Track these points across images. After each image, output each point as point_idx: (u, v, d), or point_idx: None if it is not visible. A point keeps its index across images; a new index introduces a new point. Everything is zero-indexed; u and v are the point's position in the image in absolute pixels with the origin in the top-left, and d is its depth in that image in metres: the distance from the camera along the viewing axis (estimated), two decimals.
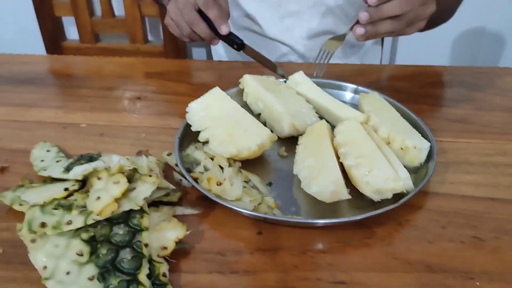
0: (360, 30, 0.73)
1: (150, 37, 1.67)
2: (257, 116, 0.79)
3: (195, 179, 0.65)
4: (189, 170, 0.68)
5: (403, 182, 0.61)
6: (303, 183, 0.63)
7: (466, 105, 0.86)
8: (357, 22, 0.74)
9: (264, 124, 0.78)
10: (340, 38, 0.83)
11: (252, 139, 0.68)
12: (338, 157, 0.65)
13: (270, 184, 0.67)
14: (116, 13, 1.60)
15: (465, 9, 1.65)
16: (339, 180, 0.60)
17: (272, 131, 0.75)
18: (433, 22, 0.96)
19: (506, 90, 0.91)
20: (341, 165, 0.65)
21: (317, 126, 0.72)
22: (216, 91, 0.76)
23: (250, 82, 0.82)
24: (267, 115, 0.79)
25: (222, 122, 0.72)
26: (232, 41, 0.86)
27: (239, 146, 0.67)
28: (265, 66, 0.90)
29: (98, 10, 1.61)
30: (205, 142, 0.71)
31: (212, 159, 0.69)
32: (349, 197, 0.59)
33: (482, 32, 1.74)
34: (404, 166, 0.64)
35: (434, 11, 0.75)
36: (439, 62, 1.04)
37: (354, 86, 0.86)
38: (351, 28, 0.75)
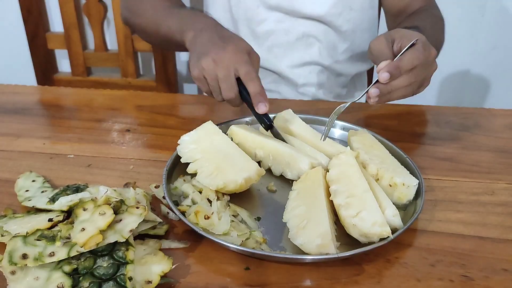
0: (374, 99, 0.72)
1: (142, 72, 1.68)
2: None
3: (183, 212, 0.64)
4: (176, 203, 0.67)
5: (391, 218, 0.61)
6: (290, 233, 0.61)
7: (453, 144, 0.87)
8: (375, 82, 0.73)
9: (268, 170, 0.76)
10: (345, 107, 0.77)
11: (239, 172, 0.68)
12: (330, 202, 0.64)
13: (258, 218, 0.67)
14: (109, 47, 1.61)
15: (451, 52, 1.71)
16: (327, 234, 0.58)
17: (284, 176, 0.74)
18: None
19: (492, 131, 0.92)
20: (332, 205, 0.64)
21: (312, 173, 0.70)
22: (208, 125, 0.76)
23: (239, 132, 0.79)
24: (274, 161, 0.76)
25: (211, 155, 0.71)
26: (263, 119, 0.77)
27: (226, 179, 0.67)
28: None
29: (91, 43, 1.63)
30: (193, 174, 0.70)
31: (200, 192, 0.69)
32: (337, 251, 0.57)
33: (467, 75, 1.79)
34: (393, 203, 0.64)
35: (436, 68, 0.78)
36: (426, 103, 1.05)
37: (343, 123, 0.87)
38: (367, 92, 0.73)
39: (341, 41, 1.13)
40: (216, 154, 0.71)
